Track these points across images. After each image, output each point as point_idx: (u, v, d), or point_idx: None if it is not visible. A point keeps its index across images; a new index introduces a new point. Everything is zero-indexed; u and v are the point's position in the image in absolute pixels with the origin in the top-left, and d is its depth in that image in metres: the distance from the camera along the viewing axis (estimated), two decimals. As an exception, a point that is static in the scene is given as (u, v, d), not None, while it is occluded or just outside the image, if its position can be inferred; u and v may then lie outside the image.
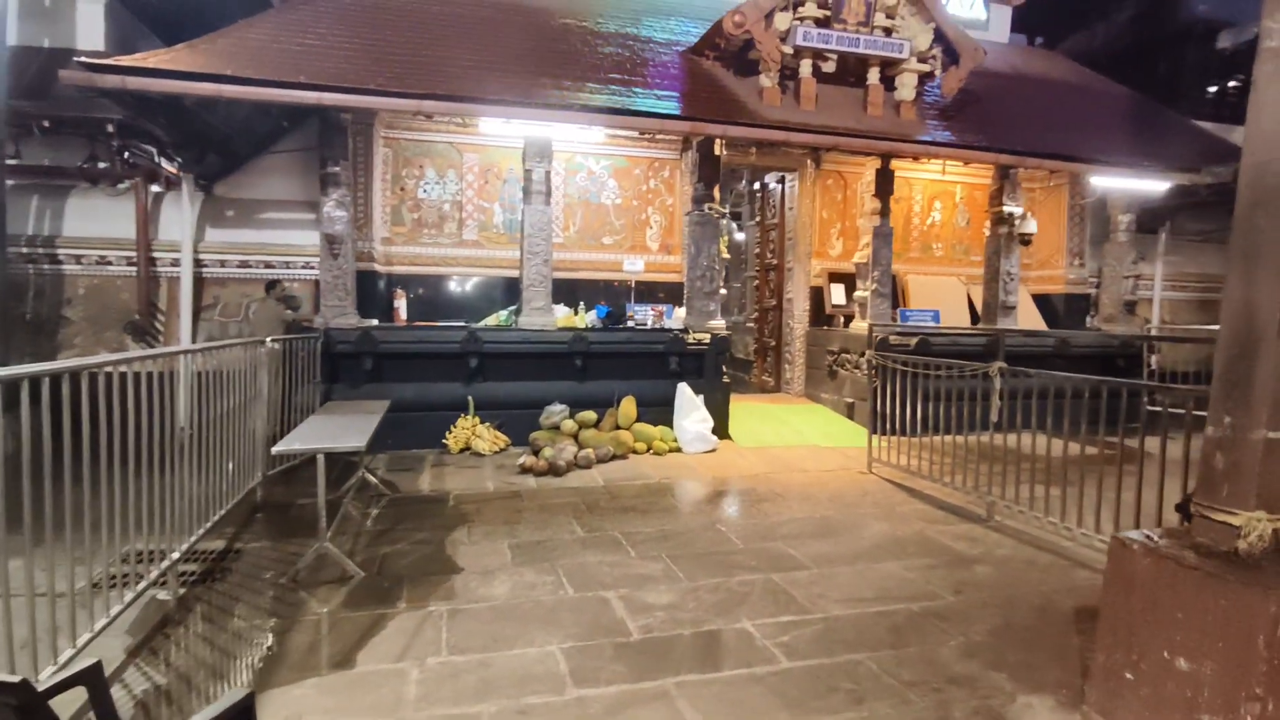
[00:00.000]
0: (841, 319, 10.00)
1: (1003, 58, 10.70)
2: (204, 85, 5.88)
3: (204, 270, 8.19)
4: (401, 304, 8.47)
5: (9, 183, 7.17)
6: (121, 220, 7.90)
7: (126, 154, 7.77)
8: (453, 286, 8.97)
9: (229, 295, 8.30)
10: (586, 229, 9.23)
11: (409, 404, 7.14)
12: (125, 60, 5.85)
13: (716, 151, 8.22)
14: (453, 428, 7.37)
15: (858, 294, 9.32)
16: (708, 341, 8.10)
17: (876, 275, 8.97)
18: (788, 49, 7.88)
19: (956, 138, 8.41)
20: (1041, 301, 11.12)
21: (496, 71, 7.11)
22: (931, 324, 8.99)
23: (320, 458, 4.11)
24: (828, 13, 7.98)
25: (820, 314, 10.28)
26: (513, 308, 8.27)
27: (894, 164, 9.01)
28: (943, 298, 10.44)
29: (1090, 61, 13.45)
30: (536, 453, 6.86)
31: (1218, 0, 14.30)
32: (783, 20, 7.84)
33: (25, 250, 7.66)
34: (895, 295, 10.13)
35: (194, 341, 8.12)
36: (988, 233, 9.58)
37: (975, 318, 10.28)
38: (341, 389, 7.20)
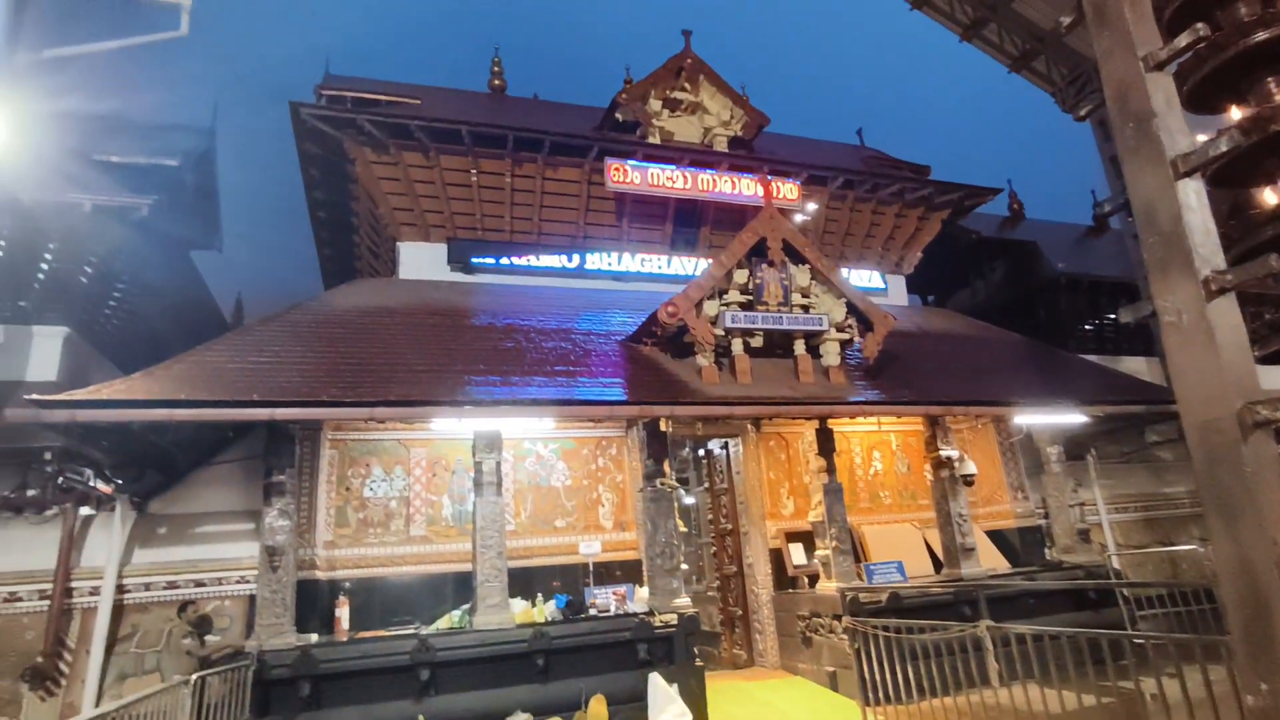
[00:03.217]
0: (805, 580, 9.76)
1: (908, 317, 11.93)
2: (157, 411, 5.92)
3: (126, 596, 7.58)
4: (344, 612, 7.85)
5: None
6: (40, 550, 7.40)
7: (60, 479, 7.52)
8: (400, 586, 8.45)
9: (150, 622, 7.61)
10: (538, 513, 9.10)
11: (351, 734, 6.32)
12: (79, 394, 5.91)
13: (663, 428, 8.52)
14: (401, 758, 6.49)
15: (819, 553, 9.22)
16: (675, 622, 7.69)
17: (834, 532, 8.97)
18: (719, 331, 8.60)
19: (886, 395, 9.00)
20: (995, 537, 11.20)
21: (446, 373, 7.45)
22: (899, 578, 8.85)
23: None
24: (750, 297, 8.88)
25: (783, 576, 10.03)
26: (465, 606, 7.78)
27: (831, 422, 9.48)
28: (901, 546, 10.41)
29: (977, 313, 15.18)
30: (498, 780, 6.02)
31: (1071, 257, 16.79)
32: (711, 307, 8.65)
33: (-77, 595, 7.00)
34: (854, 548, 10.06)
35: (103, 680, 7.26)
36: (930, 477, 9.88)
37: (936, 562, 10.20)
38: (273, 724, 6.37)
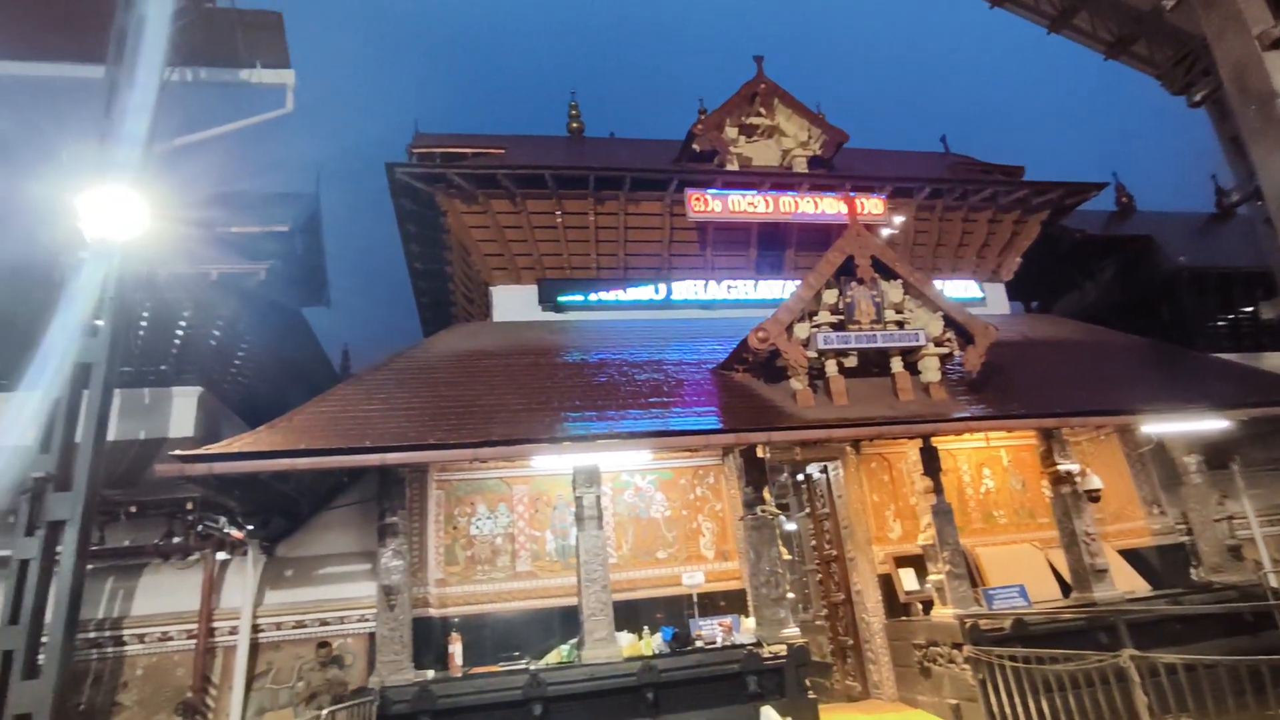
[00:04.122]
0: (919, 606, 9.33)
1: (1011, 326, 11.37)
2: (281, 461, 6.35)
3: (260, 635, 8.08)
4: (457, 648, 8.08)
5: (88, 566, 7.45)
6: (185, 593, 8.03)
7: (200, 527, 8.15)
8: (508, 622, 8.62)
9: (282, 660, 8.07)
10: (639, 545, 9.13)
11: (470, 770, 6.47)
12: (214, 448, 6.42)
13: (760, 454, 8.42)
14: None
15: (931, 578, 8.80)
16: (785, 653, 7.50)
17: (946, 555, 8.55)
18: (812, 353, 8.47)
19: (994, 409, 8.59)
20: (1130, 556, 10.37)
21: (544, 410, 7.65)
22: (1022, 602, 8.34)
23: None
24: (841, 317, 8.71)
25: (895, 603, 9.62)
26: (573, 641, 7.86)
27: (935, 440, 9.10)
28: (1022, 568, 9.80)
29: (1088, 317, 14.25)
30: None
31: (1193, 248, 15.51)
32: (802, 329, 8.53)
33: (93, 635, 7.70)
34: (970, 572, 9.55)
35: (244, 714, 7.73)
36: (1049, 493, 9.29)
37: (1063, 585, 9.53)
38: (398, 759, 6.60)
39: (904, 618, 9.33)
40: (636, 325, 10.93)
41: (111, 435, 7.95)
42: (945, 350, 8.91)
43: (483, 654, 8.24)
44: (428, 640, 8.00)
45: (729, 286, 11.80)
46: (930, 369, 8.80)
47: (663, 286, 11.56)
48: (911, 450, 9.10)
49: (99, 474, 7.01)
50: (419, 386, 8.17)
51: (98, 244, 7.39)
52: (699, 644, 7.84)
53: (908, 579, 9.61)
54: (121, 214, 7.45)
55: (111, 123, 7.89)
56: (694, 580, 8.92)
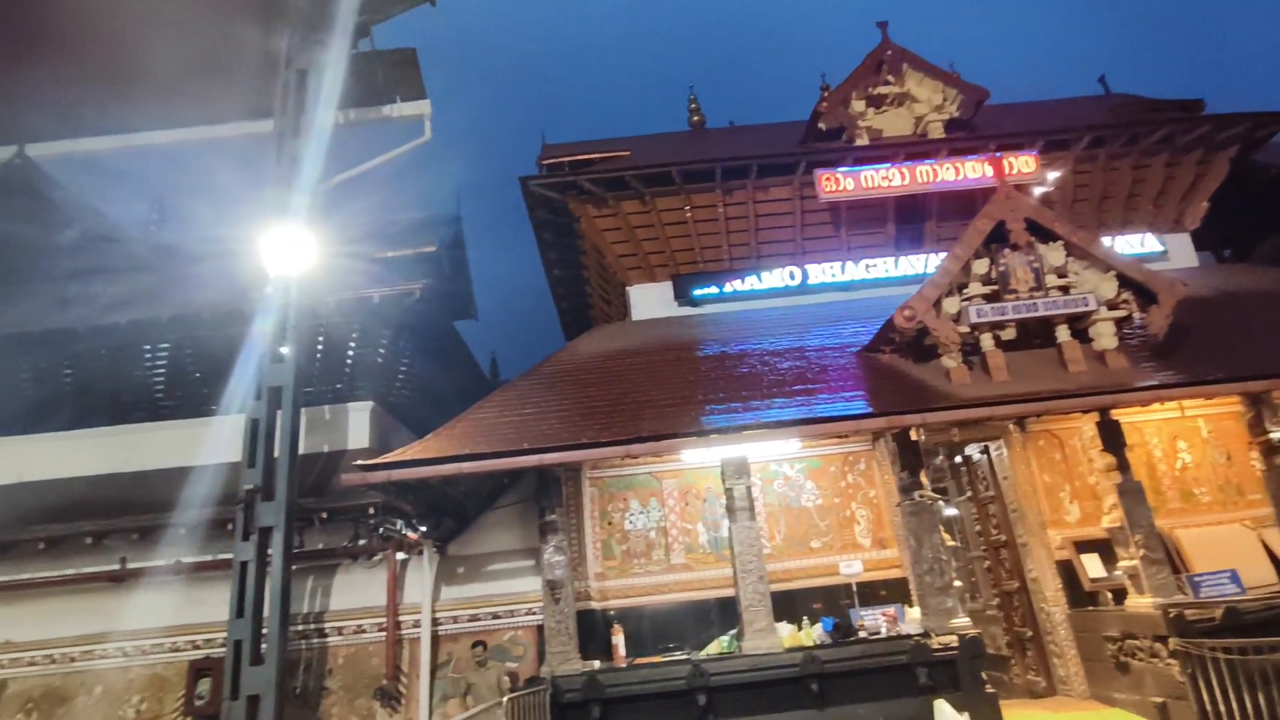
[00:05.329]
0: (1108, 595, 8.55)
1: (1201, 280, 10.15)
2: (448, 466, 6.82)
3: (439, 628, 8.70)
4: (619, 639, 8.34)
5: (292, 567, 8.36)
6: (373, 589, 8.79)
7: (381, 530, 8.90)
8: (666, 613, 8.78)
9: (459, 651, 8.65)
10: (792, 535, 8.99)
11: (641, 757, 6.66)
12: (389, 457, 7.01)
13: (913, 437, 8.03)
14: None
15: (1122, 564, 8.04)
16: (955, 645, 7.14)
17: (1139, 539, 7.78)
18: (963, 328, 7.98)
19: (1186, 375, 7.72)
20: (1370, 536, 8.96)
21: (689, 405, 7.72)
22: (1233, 589, 7.44)
23: None
24: (994, 287, 8.14)
25: (1078, 591, 8.87)
26: (732, 632, 7.89)
27: (1115, 412, 8.29)
28: (1231, 552, 8.72)
29: (1299, 265, 12.41)
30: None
31: None
32: (951, 304, 8.07)
33: (300, 628, 8.60)
34: (1169, 556, 8.63)
35: (432, 699, 8.36)
36: (1260, 467, 8.23)
37: (1283, 569, 8.41)
38: (572, 744, 6.90)
39: (1091, 607, 8.59)
40: (774, 313, 10.77)
41: (300, 449, 8.89)
42: (1122, 313, 8.09)
43: (643, 645, 8.44)
44: (591, 632, 8.31)
45: (867, 266, 11.35)
46: (1105, 335, 8.03)
47: (797, 272, 11.31)
48: (1086, 425, 8.34)
49: (295, 484, 7.85)
50: (568, 389, 8.49)
51: (278, 279, 8.26)
52: (862, 634, 7.62)
53: (1092, 565, 8.83)
54: (296, 251, 8.29)
55: (282, 169, 8.79)
56: (852, 569, 8.66)
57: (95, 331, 9.93)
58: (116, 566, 8.79)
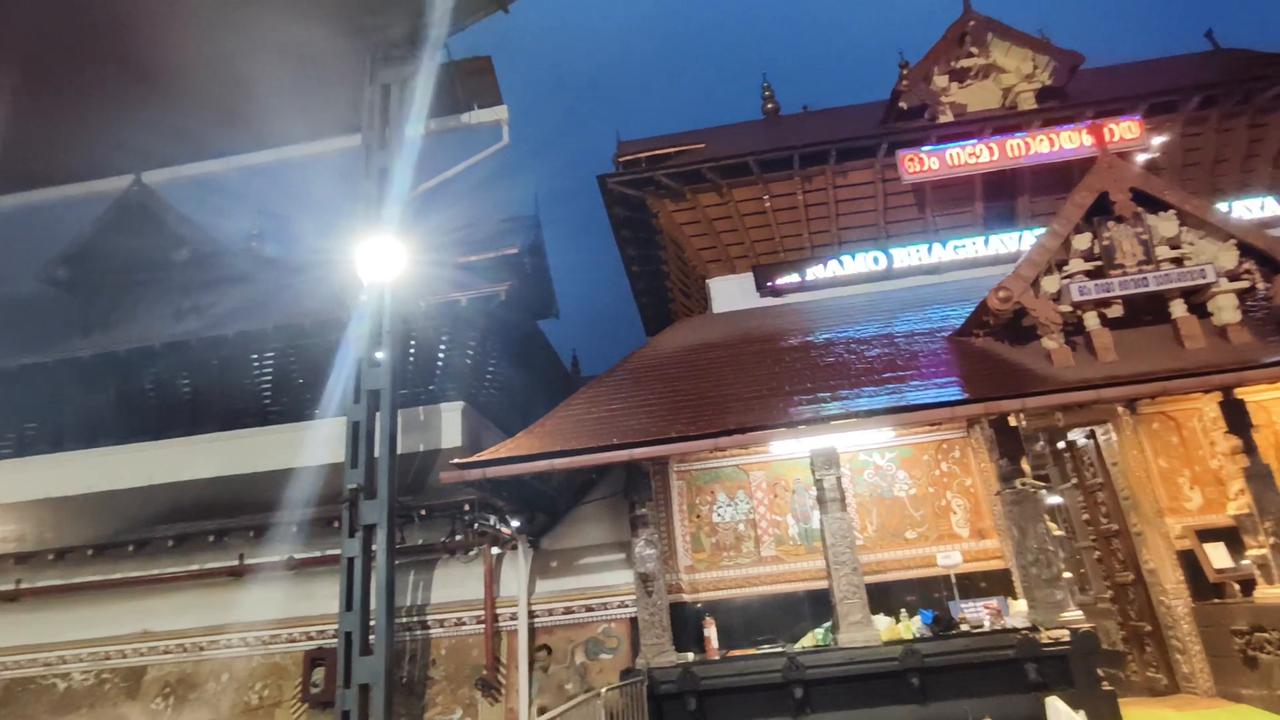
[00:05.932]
0: (1236, 587, 7.97)
1: (1330, 248, 9.30)
2: (540, 463, 6.98)
3: (535, 621, 8.91)
4: (712, 631, 8.34)
5: (395, 562, 8.73)
6: (471, 583, 9.08)
7: (476, 525, 9.18)
8: (757, 606, 8.71)
9: (556, 643, 8.83)
10: (885, 526, 8.77)
11: (739, 749, 6.65)
12: (483, 455, 7.23)
13: (1012, 423, 7.70)
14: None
15: (1251, 553, 7.50)
16: (1067, 639, 6.81)
17: (1269, 526, 7.22)
18: (1064, 307, 7.59)
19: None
20: None
21: (776, 396, 7.63)
22: (1384, 580, 6.80)
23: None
24: (1098, 262, 7.71)
25: (1201, 583, 8.31)
26: (826, 624, 7.76)
27: (1239, 391, 7.72)
28: (1379, 539, 7.98)
29: None
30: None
31: None
32: (1050, 283, 7.68)
33: (404, 620, 8.98)
34: (1304, 545, 7.97)
35: (531, 690, 8.59)
36: None
37: None
38: (670, 735, 6.96)
39: (1216, 600, 8.04)
40: (858, 300, 10.52)
41: (398, 449, 9.28)
42: (1244, 284, 7.52)
43: (734, 637, 8.41)
44: (683, 624, 8.34)
45: (955, 247, 10.92)
46: (1226, 308, 7.47)
47: (881, 257, 11.00)
48: (1207, 406, 7.81)
49: (395, 483, 8.20)
50: (653, 383, 8.54)
51: (372, 287, 8.63)
52: (964, 628, 7.37)
53: (1217, 555, 8.26)
54: (388, 259, 8.64)
55: (371, 181, 9.17)
56: (950, 560, 8.38)
57: (207, 343, 10.64)
58: (235, 562, 9.39)
